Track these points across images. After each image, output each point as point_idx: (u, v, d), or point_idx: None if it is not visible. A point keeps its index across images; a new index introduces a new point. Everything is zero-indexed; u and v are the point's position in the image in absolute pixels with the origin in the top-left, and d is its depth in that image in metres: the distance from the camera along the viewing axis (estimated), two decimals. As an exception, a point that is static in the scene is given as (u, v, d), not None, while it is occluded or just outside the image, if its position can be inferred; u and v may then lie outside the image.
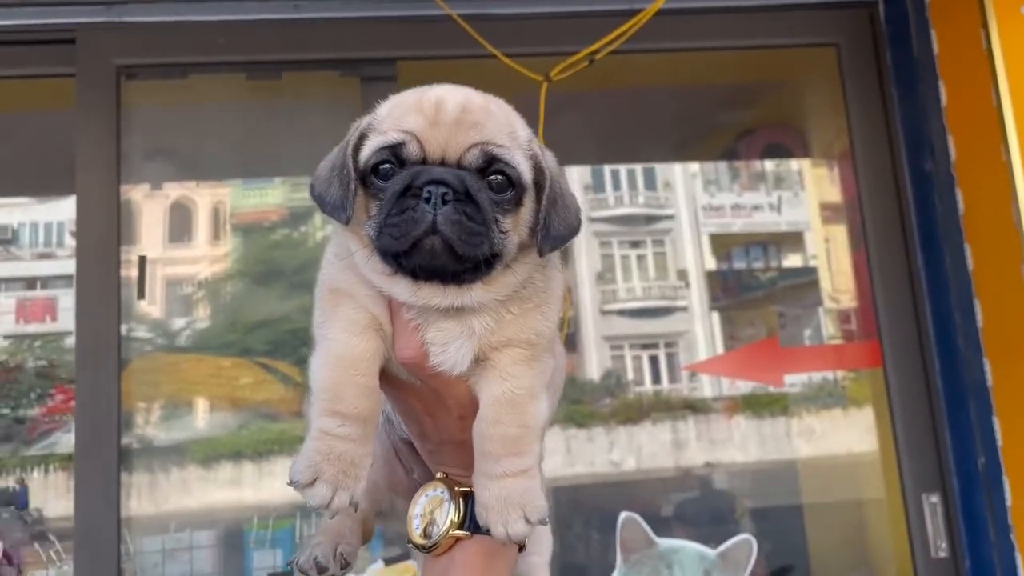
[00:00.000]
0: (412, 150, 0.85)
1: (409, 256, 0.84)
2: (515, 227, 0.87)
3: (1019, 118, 1.99)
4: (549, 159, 0.92)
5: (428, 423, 0.92)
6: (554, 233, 0.88)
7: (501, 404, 0.86)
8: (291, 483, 0.84)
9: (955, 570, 2.22)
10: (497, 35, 2.27)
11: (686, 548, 2.10)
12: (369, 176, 0.87)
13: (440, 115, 0.86)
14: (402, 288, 0.86)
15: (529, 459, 0.85)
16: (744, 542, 2.10)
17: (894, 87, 2.43)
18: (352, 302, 0.89)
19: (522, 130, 0.91)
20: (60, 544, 2.30)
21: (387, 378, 0.91)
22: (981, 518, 2.15)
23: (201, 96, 2.67)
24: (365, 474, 0.85)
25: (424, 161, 0.85)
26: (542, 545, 1.00)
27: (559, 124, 2.24)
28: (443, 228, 0.82)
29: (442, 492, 0.90)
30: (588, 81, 2.37)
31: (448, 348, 0.86)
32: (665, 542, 2.11)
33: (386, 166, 0.86)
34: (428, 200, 0.82)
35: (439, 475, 0.92)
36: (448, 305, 0.86)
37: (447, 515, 0.88)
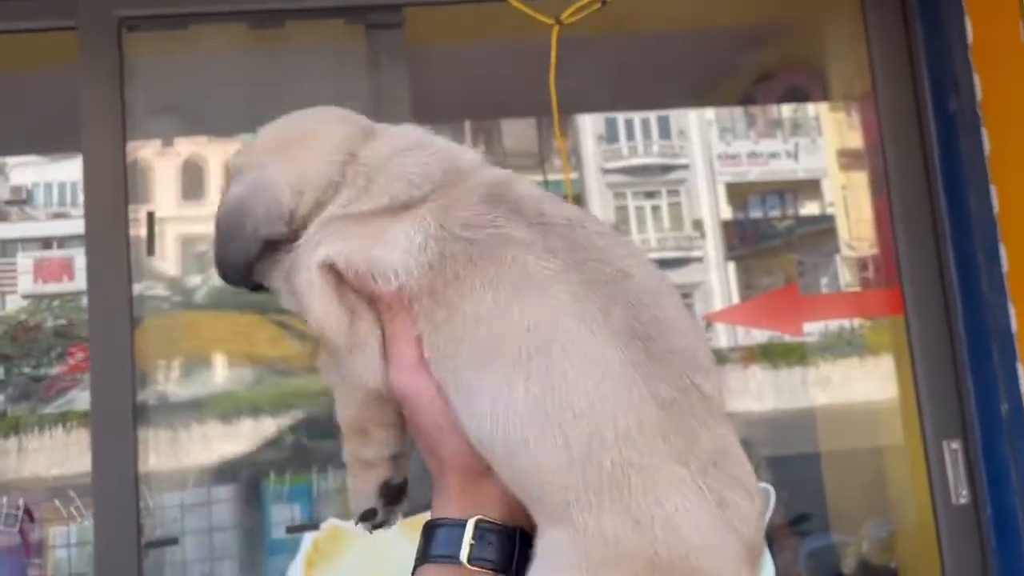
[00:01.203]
0: None
1: None
2: None
3: (1049, 53, 1.91)
4: None
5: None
6: None
7: None
8: (361, 523, 0.77)
9: (976, 516, 2.20)
10: (505, -22, 2.20)
11: (703, 497, 2.09)
12: None
13: None
14: None
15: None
16: (762, 493, 2.08)
17: (918, 23, 2.34)
18: (361, 348, 0.77)
19: None
20: (80, 500, 2.33)
21: None
22: (1003, 465, 2.13)
23: (204, 47, 2.62)
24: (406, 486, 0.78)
25: None
26: None
27: (571, 70, 2.18)
28: None
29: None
30: (600, 24, 2.29)
31: None
32: (682, 492, 2.10)
33: None
34: None
35: None
36: None
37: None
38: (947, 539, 2.22)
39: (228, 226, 0.75)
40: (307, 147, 0.75)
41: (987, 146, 2.13)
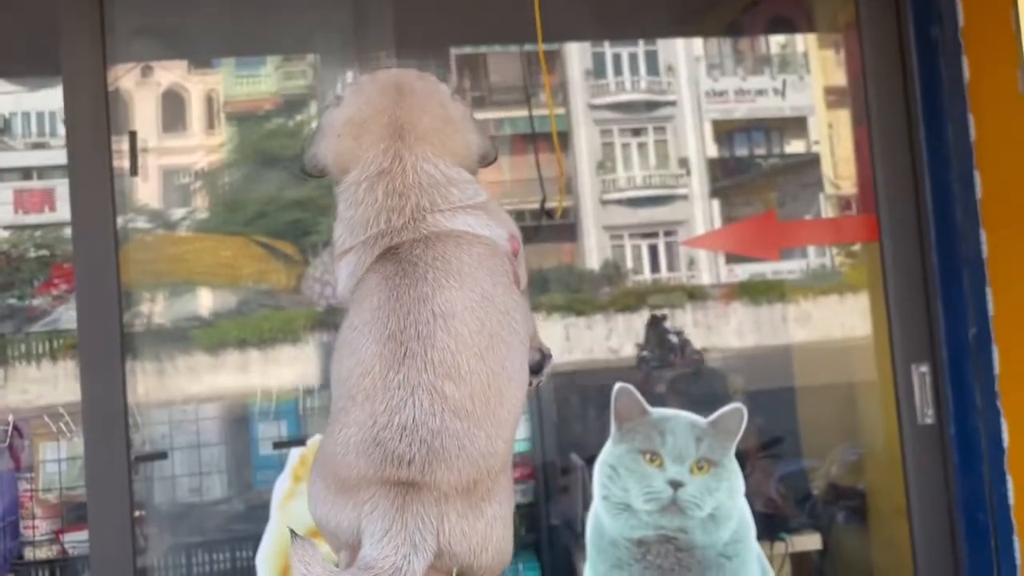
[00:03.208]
0: None
1: None
2: None
3: (1031, -20, 1.91)
4: None
5: None
6: None
7: None
8: None
9: (940, 436, 2.28)
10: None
11: (678, 416, 2.16)
12: None
13: None
14: None
15: None
16: (735, 411, 2.15)
17: (904, -49, 2.34)
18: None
19: None
20: (69, 416, 2.37)
21: None
22: (969, 386, 2.20)
23: (183, -34, 2.57)
24: None
25: None
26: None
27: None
28: None
29: None
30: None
31: None
32: (658, 411, 2.16)
33: None
34: None
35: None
36: None
37: None
38: (911, 459, 2.31)
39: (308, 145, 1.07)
40: (359, 142, 1.01)
41: (967, 73, 2.15)
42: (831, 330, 3.60)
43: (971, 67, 2.14)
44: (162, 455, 2.40)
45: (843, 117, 2.94)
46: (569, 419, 3.27)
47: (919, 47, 2.31)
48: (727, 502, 2.12)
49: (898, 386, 2.33)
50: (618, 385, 2.15)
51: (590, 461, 2.25)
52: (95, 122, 2.25)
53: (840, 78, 2.83)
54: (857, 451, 2.90)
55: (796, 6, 3.01)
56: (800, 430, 3.20)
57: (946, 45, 2.21)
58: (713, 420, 2.15)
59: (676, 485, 2.11)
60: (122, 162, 2.44)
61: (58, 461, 2.32)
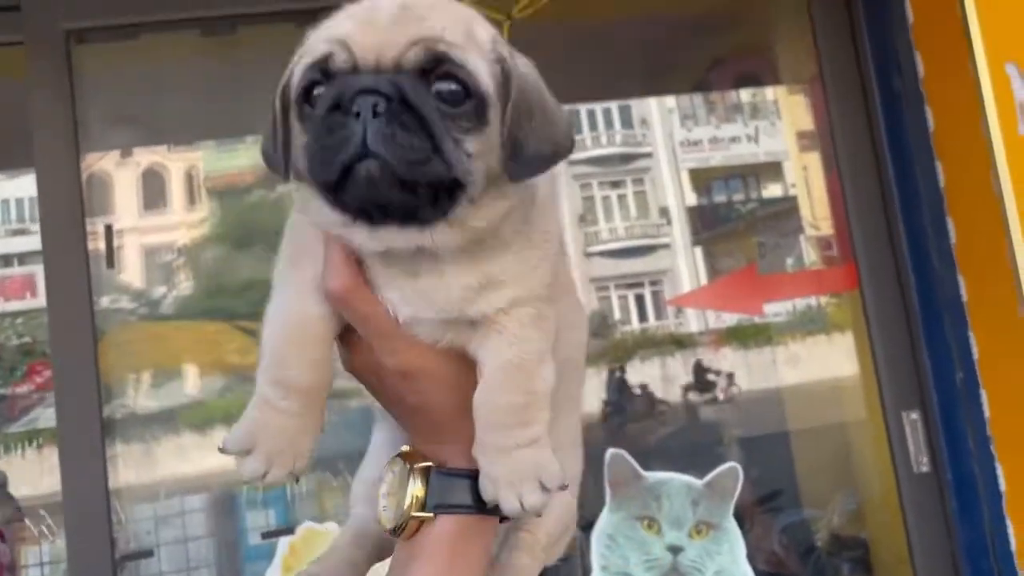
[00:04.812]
0: (340, 59, 0.70)
1: (344, 188, 0.70)
2: (483, 151, 0.71)
3: (985, 31, 1.96)
4: (521, 63, 0.75)
5: (373, 382, 0.84)
6: (530, 152, 0.71)
7: (509, 371, 0.77)
8: (222, 449, 0.78)
9: (937, 483, 2.26)
10: (454, -25, 2.21)
11: (673, 480, 2.13)
12: (302, 106, 0.73)
13: (375, 14, 0.71)
14: (360, 233, 0.74)
15: (539, 427, 0.77)
16: (730, 470, 2.13)
17: (860, 6, 2.40)
18: (310, 259, 0.79)
19: (483, 30, 0.75)
20: (51, 519, 2.31)
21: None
22: (961, 432, 2.19)
23: (156, 57, 2.60)
24: (306, 451, 0.79)
25: (356, 70, 0.70)
26: (535, 520, 0.88)
27: (524, 63, 2.19)
28: (375, 147, 0.67)
29: (401, 469, 0.82)
30: (552, 16, 2.31)
31: (420, 302, 0.76)
32: (652, 475, 2.13)
33: (316, 89, 0.71)
34: (358, 116, 0.68)
35: (402, 449, 0.84)
36: (409, 246, 0.73)
37: (409, 493, 0.80)
38: (910, 507, 2.28)
39: None
40: None
41: (931, 122, 2.19)
42: (820, 372, 3.59)
43: (934, 116, 2.18)
44: (147, 553, 2.34)
45: (816, 160, 2.98)
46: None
47: (883, 98, 2.35)
48: (729, 565, 2.08)
49: (891, 434, 2.31)
50: (610, 451, 2.12)
51: (586, 529, 2.21)
52: (70, 213, 2.25)
53: (810, 122, 2.88)
54: (856, 499, 2.87)
55: (761, 61, 3.07)
56: (797, 477, 3.17)
57: (908, 95, 2.25)
58: (708, 481, 2.12)
59: (676, 551, 2.07)
60: (98, 243, 2.43)
61: (40, 565, 2.25)
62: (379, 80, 0.68)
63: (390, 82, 0.68)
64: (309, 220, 0.79)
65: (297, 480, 0.81)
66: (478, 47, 0.72)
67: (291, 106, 0.74)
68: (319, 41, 0.72)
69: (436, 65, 0.70)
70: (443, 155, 0.69)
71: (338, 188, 0.71)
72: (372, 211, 0.73)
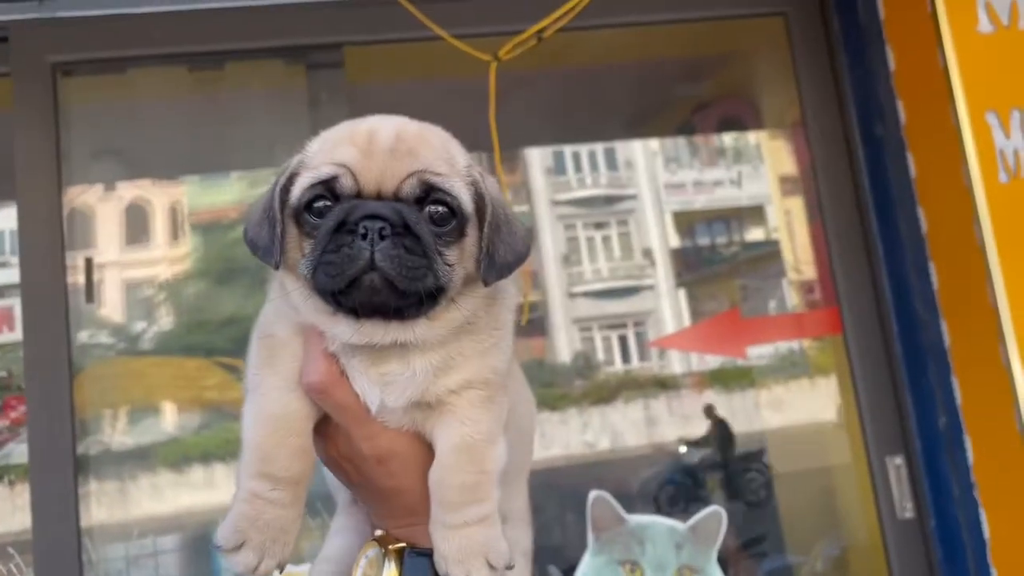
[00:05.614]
0: (346, 184, 0.82)
1: (348, 294, 0.81)
2: (460, 259, 0.84)
3: (966, 80, 2.00)
4: (490, 184, 0.89)
5: (350, 470, 0.89)
6: (499, 261, 0.85)
7: (460, 451, 0.83)
8: (216, 547, 0.82)
9: (921, 530, 2.24)
10: (444, 16, 2.23)
11: (656, 524, 2.10)
12: (303, 214, 0.83)
13: (373, 145, 0.83)
14: (343, 327, 0.83)
15: (488, 505, 0.83)
16: (713, 514, 2.11)
17: (843, 54, 2.44)
18: (287, 353, 0.87)
19: (460, 156, 0.88)
20: (20, 557, 2.24)
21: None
22: (945, 477, 2.18)
23: (142, 91, 2.60)
24: (293, 539, 0.84)
25: (359, 195, 0.82)
26: None
27: (511, 105, 2.22)
28: (382, 264, 0.79)
29: (375, 553, 0.87)
30: (538, 60, 2.34)
31: (388, 389, 0.84)
32: (635, 519, 2.11)
33: (320, 203, 0.83)
34: (364, 236, 0.79)
35: (376, 534, 0.89)
36: (391, 341, 0.83)
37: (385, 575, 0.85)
38: (895, 553, 2.26)
39: None
40: None
41: (913, 169, 2.21)
42: (803, 415, 3.58)
43: (916, 163, 2.21)
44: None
45: (799, 204, 3.01)
46: (548, 525, 3.18)
47: (865, 144, 2.38)
48: (712, 611, 2.05)
49: (875, 479, 2.30)
50: (593, 494, 2.10)
51: (569, 572, 2.18)
52: (50, 246, 2.23)
53: (793, 167, 2.92)
54: (840, 544, 2.84)
55: (744, 106, 3.11)
56: (781, 522, 3.14)
57: (890, 142, 2.28)
58: (692, 525, 2.10)
59: (658, 596, 2.04)
60: (78, 278, 2.41)
61: (7, 606, 2.18)
62: (384, 207, 0.80)
63: (394, 210, 0.81)
64: (288, 310, 0.87)
65: (281, 571, 0.84)
66: (458, 172, 0.85)
67: (287, 209, 0.85)
68: (324, 163, 0.83)
69: (428, 194, 0.82)
70: (434, 269, 0.81)
71: (341, 293, 0.81)
72: (361, 309, 0.83)
